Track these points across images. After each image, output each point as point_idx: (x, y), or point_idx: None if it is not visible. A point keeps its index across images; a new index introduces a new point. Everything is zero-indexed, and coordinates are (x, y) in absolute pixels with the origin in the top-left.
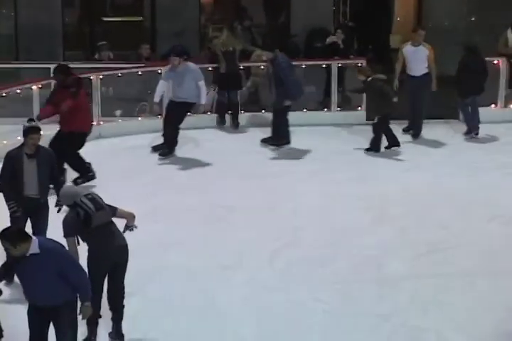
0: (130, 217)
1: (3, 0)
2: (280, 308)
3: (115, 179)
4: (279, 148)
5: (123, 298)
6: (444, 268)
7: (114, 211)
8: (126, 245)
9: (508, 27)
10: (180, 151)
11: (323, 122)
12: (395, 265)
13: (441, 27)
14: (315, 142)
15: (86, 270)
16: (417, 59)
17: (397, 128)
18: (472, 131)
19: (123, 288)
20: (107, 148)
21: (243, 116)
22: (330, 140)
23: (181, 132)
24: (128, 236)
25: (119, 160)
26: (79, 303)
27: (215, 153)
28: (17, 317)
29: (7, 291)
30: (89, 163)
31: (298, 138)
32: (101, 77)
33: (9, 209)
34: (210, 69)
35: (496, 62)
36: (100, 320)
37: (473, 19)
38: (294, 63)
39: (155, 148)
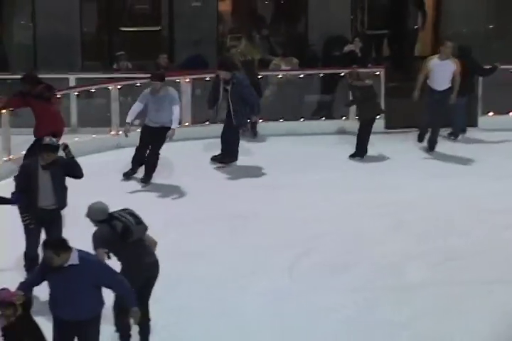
0: (153, 244)
1: (21, 11)
2: (299, 316)
3: (133, 188)
4: (229, 166)
5: (148, 312)
6: (463, 276)
7: (146, 228)
8: (157, 261)
9: None
10: (196, 160)
11: (341, 130)
12: (414, 273)
13: (460, 34)
14: (332, 150)
15: None
16: (443, 73)
17: (412, 136)
18: (456, 133)
19: (148, 302)
20: (125, 158)
21: (261, 125)
22: (347, 148)
23: (202, 141)
24: None
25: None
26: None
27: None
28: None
29: None
30: None
31: (314, 146)
32: (119, 87)
33: (23, 221)
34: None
35: None
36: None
37: (491, 26)
38: (311, 72)
39: (145, 178)
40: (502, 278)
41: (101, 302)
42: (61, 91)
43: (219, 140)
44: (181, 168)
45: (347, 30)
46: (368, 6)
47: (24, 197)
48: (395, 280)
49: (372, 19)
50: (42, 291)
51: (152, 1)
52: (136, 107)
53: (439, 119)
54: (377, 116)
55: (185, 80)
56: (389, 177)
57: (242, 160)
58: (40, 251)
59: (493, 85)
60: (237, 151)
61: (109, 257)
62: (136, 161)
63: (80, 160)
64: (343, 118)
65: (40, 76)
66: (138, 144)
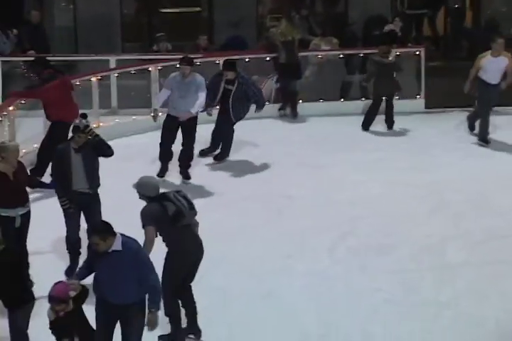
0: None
1: None
2: (340, 297)
3: (174, 168)
4: (221, 162)
5: (192, 294)
6: (503, 256)
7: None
8: (202, 243)
9: None
10: (239, 141)
11: (380, 111)
12: (454, 253)
13: (499, 13)
14: (371, 130)
15: (166, 267)
16: (496, 69)
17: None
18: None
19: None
20: None
21: (301, 106)
22: (387, 128)
23: (242, 122)
24: None
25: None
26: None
27: (274, 143)
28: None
29: None
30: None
31: (354, 127)
32: (159, 68)
33: (62, 206)
34: (267, 59)
35: None
36: None
37: None
38: (351, 52)
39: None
40: None
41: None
42: (101, 73)
43: (258, 120)
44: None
45: (387, 9)
46: None
47: (59, 181)
48: (436, 261)
49: None
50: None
51: None
52: (164, 94)
53: (489, 111)
54: (395, 96)
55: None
56: (429, 158)
57: (283, 140)
58: (81, 234)
59: None
60: (230, 148)
61: (156, 235)
62: (165, 158)
63: (119, 141)
64: (384, 98)
65: (80, 58)
66: (161, 137)
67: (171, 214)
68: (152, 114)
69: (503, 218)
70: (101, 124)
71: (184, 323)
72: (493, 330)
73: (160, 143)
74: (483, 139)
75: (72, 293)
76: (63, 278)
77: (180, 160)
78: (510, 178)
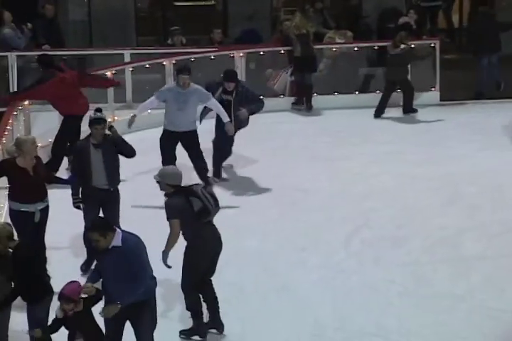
0: None
1: None
2: (355, 290)
3: (186, 161)
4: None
5: (213, 288)
6: None
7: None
8: (221, 237)
9: None
10: (254, 134)
11: (396, 103)
12: (469, 245)
13: None
14: (385, 123)
15: (186, 262)
16: None
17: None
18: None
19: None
20: None
21: (316, 99)
22: (401, 121)
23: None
24: None
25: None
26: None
27: (288, 136)
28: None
29: None
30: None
31: (369, 120)
32: (174, 62)
33: (73, 203)
34: (282, 52)
35: None
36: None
37: None
38: (365, 45)
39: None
40: None
41: (154, 281)
42: (116, 67)
43: (273, 113)
44: (238, 142)
45: (401, 2)
46: None
47: (78, 177)
48: (451, 253)
49: None
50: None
51: None
52: (150, 104)
53: None
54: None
55: (239, 55)
56: (444, 150)
57: (297, 133)
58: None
59: None
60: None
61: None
62: None
63: (134, 135)
64: (398, 90)
65: (95, 52)
66: (162, 155)
67: (196, 211)
68: (129, 119)
69: None
70: (116, 118)
71: (206, 318)
72: (508, 323)
73: (163, 161)
74: None
75: (84, 295)
76: (79, 273)
77: (198, 175)
78: None
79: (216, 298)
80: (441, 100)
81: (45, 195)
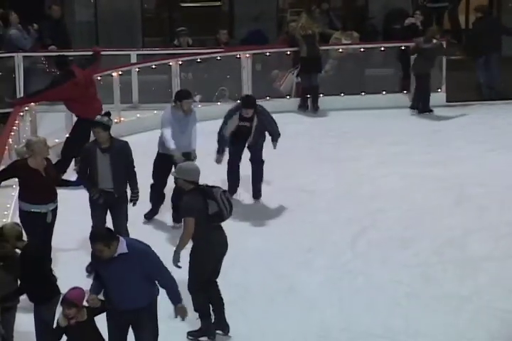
0: None
1: None
2: (362, 291)
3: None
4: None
5: (219, 289)
6: None
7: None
8: (226, 238)
9: None
10: None
11: (402, 104)
12: (476, 246)
13: None
14: (393, 124)
15: (192, 263)
16: None
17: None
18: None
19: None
20: None
21: (322, 100)
22: (407, 121)
23: None
24: None
25: (197, 144)
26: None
27: (295, 137)
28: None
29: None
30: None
31: (375, 120)
32: (180, 62)
33: (91, 197)
34: (288, 53)
35: None
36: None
37: None
38: (371, 46)
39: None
40: None
41: (155, 287)
42: (122, 68)
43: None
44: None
45: (407, 3)
46: None
47: (85, 178)
48: (458, 254)
49: None
50: None
51: None
52: (169, 134)
53: None
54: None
55: (245, 55)
56: (451, 151)
57: (304, 134)
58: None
59: None
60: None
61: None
62: (158, 201)
63: (140, 136)
64: (404, 91)
65: (101, 52)
66: (154, 178)
67: (210, 213)
68: (178, 158)
69: None
70: (122, 119)
71: (212, 319)
72: None
73: (152, 185)
74: None
75: (87, 304)
76: (85, 274)
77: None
78: None
79: (222, 299)
80: (447, 101)
81: (56, 196)
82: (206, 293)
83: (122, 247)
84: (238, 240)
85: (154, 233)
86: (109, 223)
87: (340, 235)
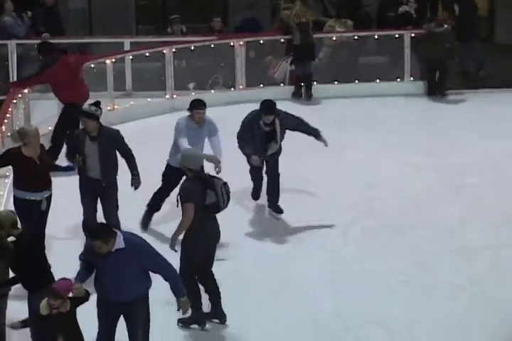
0: None
1: None
2: (357, 279)
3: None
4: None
5: (215, 278)
6: None
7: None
8: (219, 227)
9: None
10: None
11: (396, 92)
12: (473, 235)
13: None
14: (388, 112)
15: (184, 250)
16: None
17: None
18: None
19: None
20: None
21: (315, 88)
22: (402, 110)
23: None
24: None
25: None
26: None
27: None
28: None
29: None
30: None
31: (370, 109)
32: (174, 50)
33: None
34: (282, 41)
35: None
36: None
37: None
38: (365, 34)
39: None
40: None
41: (148, 280)
42: (116, 56)
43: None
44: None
45: None
46: None
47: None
48: (454, 243)
49: None
50: None
51: None
52: (186, 143)
53: None
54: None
55: (239, 43)
56: (447, 139)
57: None
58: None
59: None
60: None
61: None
62: (155, 208)
63: (134, 124)
64: (398, 79)
65: (95, 40)
66: (161, 188)
67: (207, 204)
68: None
69: None
70: (116, 107)
71: (208, 308)
72: (510, 313)
73: (156, 193)
74: None
75: (73, 295)
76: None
77: None
78: None
79: (217, 288)
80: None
81: (50, 184)
82: (202, 283)
83: (119, 242)
84: (233, 229)
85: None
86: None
87: (337, 223)
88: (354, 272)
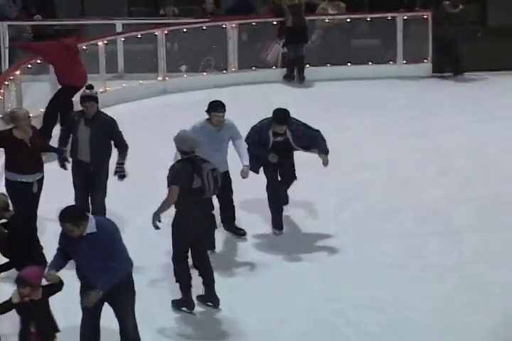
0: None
1: None
2: (347, 262)
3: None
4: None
5: (210, 263)
6: (510, 222)
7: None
8: (208, 215)
9: None
10: (246, 106)
11: (388, 75)
12: (461, 217)
13: None
14: (379, 95)
15: (173, 231)
16: None
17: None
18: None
19: (206, 253)
20: (171, 103)
21: (308, 70)
22: (393, 92)
23: (249, 86)
24: None
25: (183, 114)
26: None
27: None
28: None
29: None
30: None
31: (362, 91)
32: (166, 32)
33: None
34: (274, 23)
35: None
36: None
37: None
38: (358, 16)
39: None
40: None
41: (130, 261)
42: (108, 37)
43: (265, 84)
44: (228, 114)
45: None
46: None
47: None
48: (443, 226)
49: None
50: None
51: None
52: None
53: None
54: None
55: (231, 25)
56: (437, 122)
57: (289, 104)
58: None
59: None
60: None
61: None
62: None
63: (125, 105)
64: (390, 62)
65: (87, 22)
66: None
67: (193, 187)
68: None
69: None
70: (108, 89)
71: (202, 291)
72: (499, 295)
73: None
74: None
75: (45, 283)
76: None
77: (225, 217)
78: None
79: (212, 272)
80: (433, 72)
81: (42, 166)
82: (196, 267)
83: (91, 226)
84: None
85: (133, 209)
86: None
87: (326, 206)
88: (344, 255)
